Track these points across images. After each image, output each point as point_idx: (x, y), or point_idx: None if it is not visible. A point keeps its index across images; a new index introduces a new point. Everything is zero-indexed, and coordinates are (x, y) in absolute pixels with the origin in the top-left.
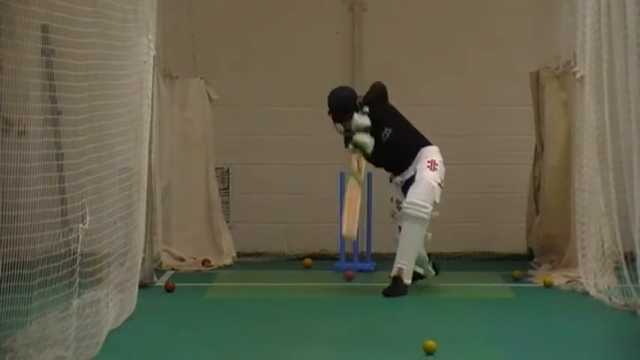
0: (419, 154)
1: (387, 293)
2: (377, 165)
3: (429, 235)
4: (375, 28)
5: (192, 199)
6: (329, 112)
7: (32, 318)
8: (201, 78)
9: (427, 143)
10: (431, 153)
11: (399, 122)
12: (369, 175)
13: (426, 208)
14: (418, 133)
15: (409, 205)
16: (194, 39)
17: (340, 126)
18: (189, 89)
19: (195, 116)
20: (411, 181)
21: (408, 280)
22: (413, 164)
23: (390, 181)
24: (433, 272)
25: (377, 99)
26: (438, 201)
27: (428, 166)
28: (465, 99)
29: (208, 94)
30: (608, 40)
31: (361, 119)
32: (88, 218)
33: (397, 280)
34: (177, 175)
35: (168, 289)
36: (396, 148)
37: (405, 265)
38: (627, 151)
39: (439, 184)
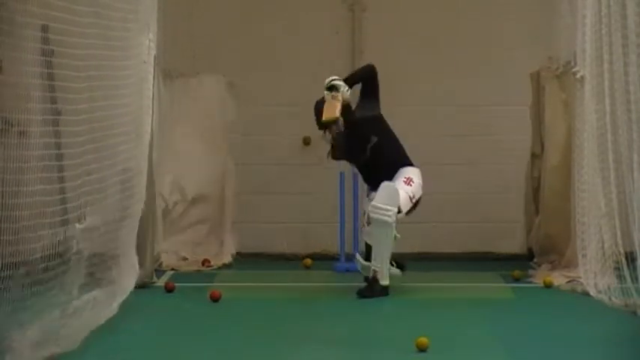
0: (398, 172)
1: (362, 294)
2: (360, 170)
3: (398, 235)
4: (375, 28)
5: (195, 198)
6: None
7: (32, 317)
8: (224, 75)
9: (409, 164)
10: (411, 173)
11: (385, 134)
12: None
13: (389, 211)
14: (403, 151)
15: (373, 209)
16: (194, 39)
17: (327, 135)
18: (207, 85)
19: (212, 112)
20: None
21: (385, 282)
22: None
23: (367, 196)
24: (399, 271)
25: (363, 79)
26: (404, 210)
27: (404, 181)
28: (465, 99)
29: (229, 90)
30: (608, 40)
31: (347, 94)
32: (86, 218)
33: (373, 281)
34: (184, 173)
35: (168, 290)
36: (377, 162)
37: (378, 267)
38: (627, 151)
39: (410, 198)
